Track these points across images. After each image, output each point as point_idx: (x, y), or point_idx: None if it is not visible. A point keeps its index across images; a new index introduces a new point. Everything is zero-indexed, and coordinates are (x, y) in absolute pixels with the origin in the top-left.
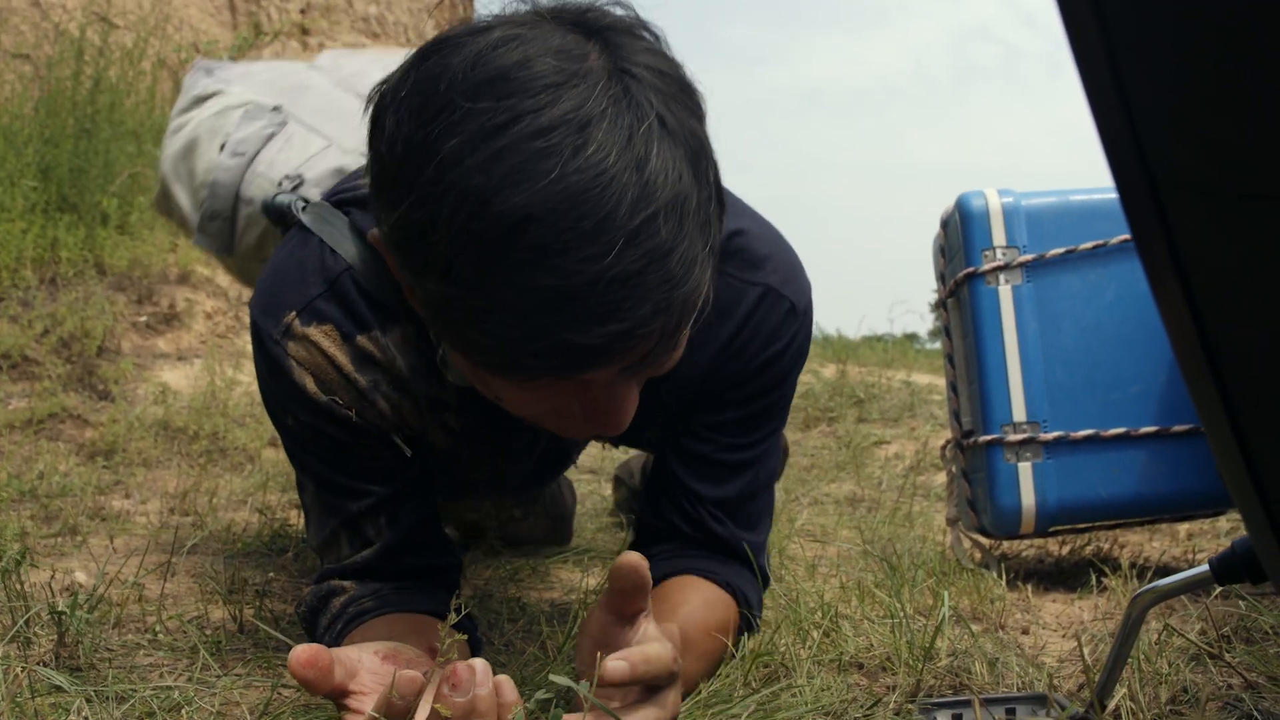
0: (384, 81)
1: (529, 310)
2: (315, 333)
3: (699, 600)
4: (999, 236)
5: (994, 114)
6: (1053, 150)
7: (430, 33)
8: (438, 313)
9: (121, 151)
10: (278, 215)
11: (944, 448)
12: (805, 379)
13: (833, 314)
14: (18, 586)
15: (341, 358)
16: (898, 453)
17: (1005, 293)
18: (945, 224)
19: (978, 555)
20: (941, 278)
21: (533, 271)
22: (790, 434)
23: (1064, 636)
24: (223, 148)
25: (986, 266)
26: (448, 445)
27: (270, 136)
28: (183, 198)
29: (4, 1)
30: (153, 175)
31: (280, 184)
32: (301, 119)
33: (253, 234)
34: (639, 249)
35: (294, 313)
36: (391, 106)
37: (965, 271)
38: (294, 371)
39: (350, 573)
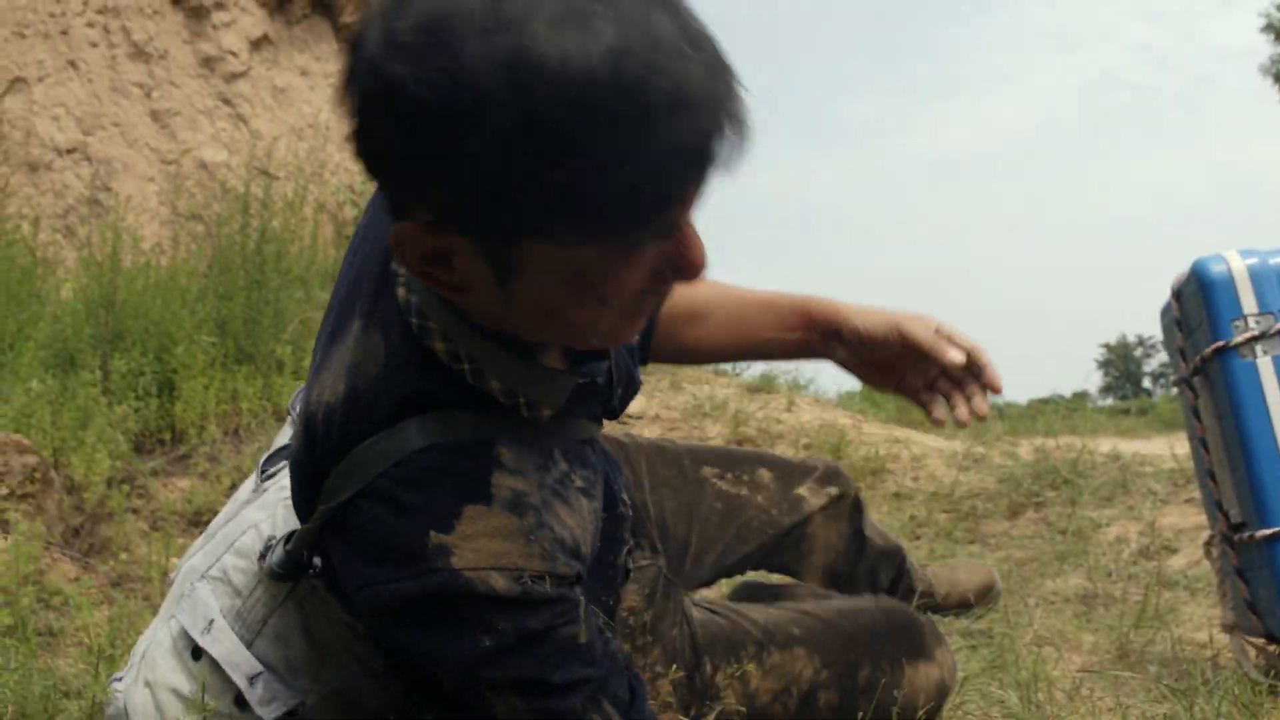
0: (347, 74)
1: (656, 132)
2: (467, 527)
3: None
4: (1249, 304)
5: (1133, 158)
6: (1202, 190)
7: None
8: (554, 219)
9: (290, 299)
10: (295, 558)
11: (1208, 544)
12: (1001, 461)
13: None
14: None
15: (509, 522)
16: (1120, 536)
17: (1265, 365)
18: (1179, 294)
19: (1258, 657)
20: (1181, 353)
21: (640, 94)
22: (996, 524)
23: None
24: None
25: (1239, 338)
26: (603, 506)
27: (211, 604)
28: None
29: (177, 169)
30: (319, 319)
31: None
32: (204, 573)
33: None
34: (687, 35)
35: (432, 531)
36: (394, 64)
37: (1214, 346)
38: (476, 585)
39: None
